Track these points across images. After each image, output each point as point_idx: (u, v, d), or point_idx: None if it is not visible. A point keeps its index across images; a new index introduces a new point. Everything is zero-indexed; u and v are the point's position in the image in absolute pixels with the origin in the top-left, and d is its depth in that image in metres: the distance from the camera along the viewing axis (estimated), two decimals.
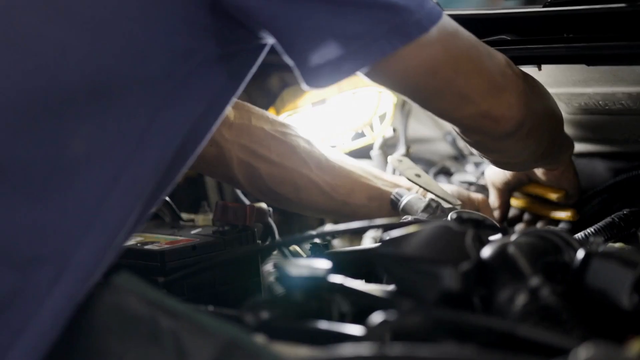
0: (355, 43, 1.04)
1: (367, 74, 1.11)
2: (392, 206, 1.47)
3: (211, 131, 1.14)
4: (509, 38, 1.38)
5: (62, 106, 1.00)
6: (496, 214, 1.56)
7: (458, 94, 1.16)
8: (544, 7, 1.40)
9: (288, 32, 1.06)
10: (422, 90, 1.15)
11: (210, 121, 1.12)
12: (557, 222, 1.53)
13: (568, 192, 1.50)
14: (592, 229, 1.37)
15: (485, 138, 1.27)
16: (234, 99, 1.15)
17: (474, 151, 1.34)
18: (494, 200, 1.57)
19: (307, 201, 1.52)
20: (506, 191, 1.56)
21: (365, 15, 1.04)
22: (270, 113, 1.55)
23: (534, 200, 1.56)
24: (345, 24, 1.04)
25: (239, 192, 1.70)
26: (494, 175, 1.53)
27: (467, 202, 1.53)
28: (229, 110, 1.18)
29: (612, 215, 1.39)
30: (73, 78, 1.01)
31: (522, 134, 1.24)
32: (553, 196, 1.51)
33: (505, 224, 1.58)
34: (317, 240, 1.36)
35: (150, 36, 1.03)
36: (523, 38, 1.37)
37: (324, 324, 1.00)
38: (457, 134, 1.30)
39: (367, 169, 1.55)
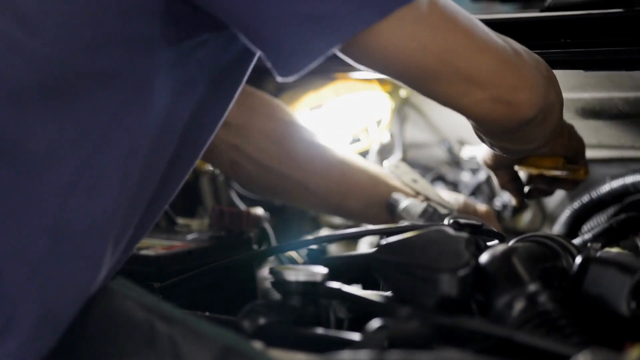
0: (324, 22, 0.95)
1: (350, 57, 1.02)
2: (388, 211, 1.47)
3: (202, 132, 1.10)
4: None
5: (15, 105, 0.95)
6: (511, 192, 1.45)
7: (460, 75, 1.03)
8: (540, 12, 1.40)
9: (250, 18, 0.98)
10: (414, 71, 1.02)
11: (189, 119, 1.06)
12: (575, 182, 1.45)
13: (568, 157, 1.37)
14: (591, 234, 1.37)
15: (498, 128, 1.14)
16: (225, 94, 1.11)
17: (485, 139, 1.23)
18: (502, 182, 1.45)
19: (299, 203, 1.52)
20: (507, 167, 1.43)
21: None
22: (280, 105, 1.52)
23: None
24: (311, 2, 0.95)
25: (234, 197, 1.70)
26: (488, 157, 1.43)
27: (472, 214, 1.49)
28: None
29: (610, 220, 1.38)
30: (21, 74, 0.95)
31: (539, 120, 1.12)
32: (551, 166, 1.39)
33: (525, 201, 1.47)
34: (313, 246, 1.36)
35: (101, 25, 0.97)
36: (520, 43, 1.37)
37: (321, 330, 0.99)
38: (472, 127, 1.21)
39: (374, 173, 1.52)
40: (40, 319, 0.95)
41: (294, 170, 1.48)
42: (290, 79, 0.99)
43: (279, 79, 0.99)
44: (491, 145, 1.24)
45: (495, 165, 1.40)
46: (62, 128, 0.96)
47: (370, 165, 1.54)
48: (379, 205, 1.49)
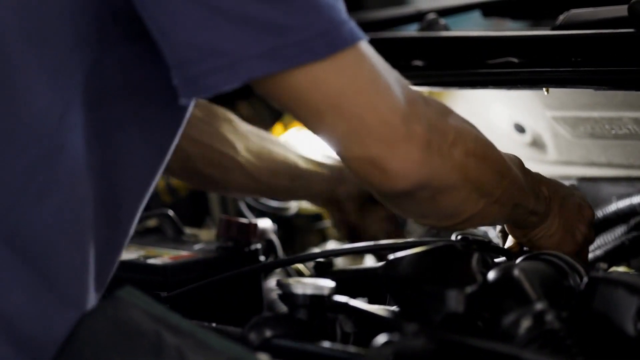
0: (223, 59, 0.92)
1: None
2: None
3: (169, 134, 1.06)
4: (515, 60, 1.38)
5: None
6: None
7: (345, 126, 0.97)
8: (551, 30, 1.40)
9: (161, 32, 0.94)
10: (303, 118, 0.99)
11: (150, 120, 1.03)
12: None
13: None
14: (600, 252, 1.37)
15: (376, 193, 1.05)
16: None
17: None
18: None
19: (234, 183, 1.50)
20: None
21: (237, 31, 0.92)
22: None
23: None
24: (216, 36, 0.92)
25: (242, 207, 1.70)
26: None
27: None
28: None
29: (621, 238, 1.38)
30: None
31: (426, 197, 1.02)
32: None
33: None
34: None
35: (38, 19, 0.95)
36: (530, 61, 1.37)
37: (327, 344, 0.99)
38: None
39: (292, 149, 1.53)
40: None
41: (229, 148, 1.48)
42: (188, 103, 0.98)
43: (182, 99, 0.96)
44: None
45: None
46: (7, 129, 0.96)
47: (297, 147, 1.55)
48: (300, 177, 1.49)
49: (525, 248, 1.24)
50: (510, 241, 1.27)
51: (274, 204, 1.73)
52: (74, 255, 0.99)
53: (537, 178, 1.18)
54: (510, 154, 1.14)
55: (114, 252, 1.06)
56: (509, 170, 1.09)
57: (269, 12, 0.92)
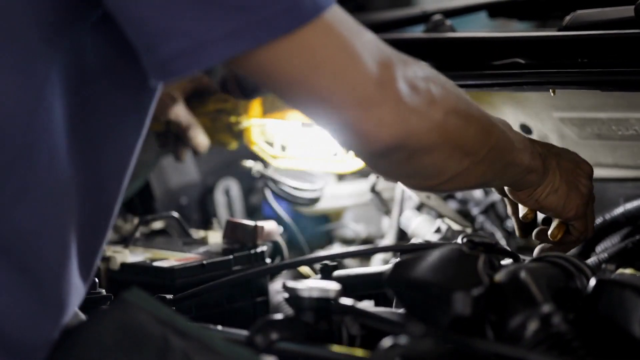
0: (187, 42, 0.92)
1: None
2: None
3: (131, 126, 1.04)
4: (522, 62, 1.37)
5: None
6: (515, 224, 1.36)
7: (317, 97, 0.98)
8: (558, 31, 1.40)
9: (126, 15, 0.93)
10: (277, 92, 0.99)
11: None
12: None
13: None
14: (606, 255, 1.36)
15: (356, 156, 1.09)
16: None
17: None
18: (509, 211, 1.36)
19: None
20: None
21: (200, 12, 0.91)
22: None
23: None
24: (179, 18, 0.91)
25: (268, 195, 1.69)
26: None
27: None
28: None
29: (626, 241, 1.38)
30: None
31: (405, 157, 1.03)
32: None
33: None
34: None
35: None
36: (537, 62, 1.37)
37: (333, 347, 0.99)
38: None
39: None
40: None
41: None
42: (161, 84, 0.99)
43: (152, 82, 0.97)
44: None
45: (501, 191, 1.33)
46: None
47: None
48: None
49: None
50: (522, 210, 1.28)
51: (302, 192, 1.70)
52: (57, 249, 0.98)
53: (528, 138, 1.19)
54: (499, 117, 1.15)
55: (99, 237, 1.05)
56: (494, 127, 1.11)
57: None
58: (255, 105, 1.63)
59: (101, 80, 1.00)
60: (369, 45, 0.99)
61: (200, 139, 1.55)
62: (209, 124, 1.61)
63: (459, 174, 1.08)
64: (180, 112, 1.57)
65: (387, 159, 1.03)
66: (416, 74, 1.02)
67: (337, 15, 0.97)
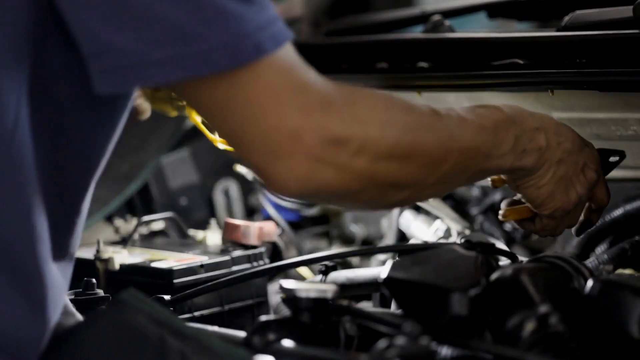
0: (123, 59, 0.91)
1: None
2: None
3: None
4: (520, 62, 1.37)
5: None
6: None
7: (233, 137, 0.98)
8: (557, 31, 1.40)
9: (73, 20, 0.93)
10: (202, 118, 1.02)
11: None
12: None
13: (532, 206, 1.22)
14: (604, 256, 1.36)
15: None
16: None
17: None
18: None
19: None
20: None
21: (142, 32, 0.91)
22: None
23: None
24: (119, 34, 0.91)
25: (264, 203, 1.69)
26: None
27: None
28: None
29: (624, 242, 1.38)
30: None
31: (324, 199, 1.06)
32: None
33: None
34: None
35: None
36: (535, 62, 1.36)
37: (330, 348, 0.99)
38: None
39: None
40: None
41: None
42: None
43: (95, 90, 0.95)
44: None
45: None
46: None
47: None
48: None
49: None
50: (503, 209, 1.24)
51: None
52: (27, 246, 0.97)
53: (540, 126, 1.14)
54: (506, 106, 1.11)
55: (69, 235, 1.04)
56: (452, 151, 1.05)
57: (178, 16, 0.91)
58: None
59: (65, 81, 0.99)
60: (303, 91, 0.96)
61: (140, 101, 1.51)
62: (150, 92, 1.58)
63: (403, 200, 1.07)
64: None
65: (307, 199, 1.01)
66: (346, 122, 0.97)
67: (280, 59, 0.95)
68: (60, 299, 1.01)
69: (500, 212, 1.23)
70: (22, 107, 0.96)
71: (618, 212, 1.48)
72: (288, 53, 0.96)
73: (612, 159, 1.25)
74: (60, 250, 1.02)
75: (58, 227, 1.01)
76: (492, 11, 1.77)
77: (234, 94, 0.94)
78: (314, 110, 0.96)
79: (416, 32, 1.77)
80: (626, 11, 1.33)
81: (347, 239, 1.84)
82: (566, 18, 1.39)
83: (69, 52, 0.96)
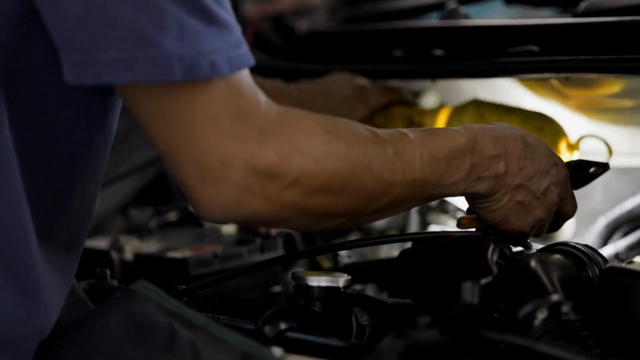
0: (76, 54, 0.91)
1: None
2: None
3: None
4: (536, 49, 1.36)
5: None
6: None
7: (163, 151, 0.96)
8: (572, 17, 1.39)
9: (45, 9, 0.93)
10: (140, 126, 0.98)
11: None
12: None
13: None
14: (621, 244, 1.35)
15: None
16: None
17: None
18: None
19: None
20: None
21: (99, 28, 0.91)
22: None
23: None
24: (79, 28, 0.91)
25: None
26: None
27: None
28: None
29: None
30: None
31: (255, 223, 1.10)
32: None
33: None
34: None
35: None
36: (551, 49, 1.36)
37: (341, 337, 0.99)
38: None
39: None
40: None
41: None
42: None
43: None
44: None
45: None
46: None
47: None
48: None
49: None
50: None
51: None
52: (18, 239, 0.97)
53: (502, 152, 1.09)
54: (469, 129, 1.08)
55: (60, 230, 1.04)
56: (391, 187, 1.01)
57: (138, 20, 0.90)
58: (442, 116, 1.53)
59: (43, 73, 0.98)
60: (243, 119, 0.95)
61: None
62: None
63: (338, 226, 1.05)
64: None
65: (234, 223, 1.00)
66: (281, 155, 0.95)
67: (231, 83, 0.94)
68: (61, 288, 1.01)
69: (457, 220, 1.20)
70: (2, 101, 0.96)
71: (636, 200, 1.47)
72: (242, 79, 0.95)
73: (593, 170, 1.23)
74: (58, 240, 1.02)
75: (50, 218, 1.01)
76: None
77: (179, 108, 0.93)
78: (249, 139, 0.94)
79: (432, 20, 1.77)
80: None
81: (364, 229, 1.83)
82: (582, 4, 1.38)
83: (49, 44, 0.95)
